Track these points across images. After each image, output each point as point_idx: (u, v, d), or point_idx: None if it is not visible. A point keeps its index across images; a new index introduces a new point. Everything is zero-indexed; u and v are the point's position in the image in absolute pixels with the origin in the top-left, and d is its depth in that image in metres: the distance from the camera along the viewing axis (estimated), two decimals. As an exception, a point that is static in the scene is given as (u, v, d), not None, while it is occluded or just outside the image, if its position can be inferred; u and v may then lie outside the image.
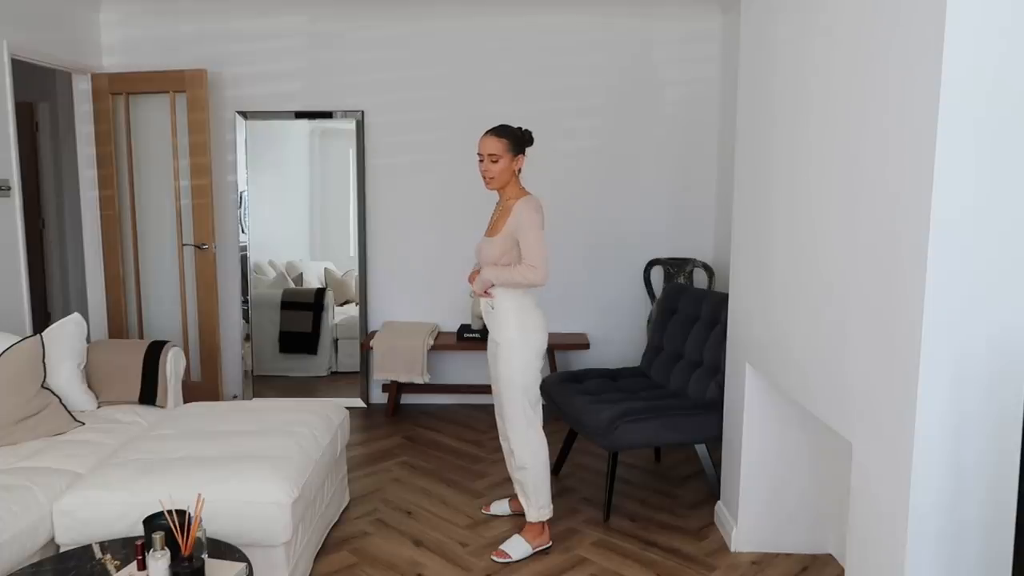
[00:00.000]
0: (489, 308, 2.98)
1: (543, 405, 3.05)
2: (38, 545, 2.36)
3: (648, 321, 4.54)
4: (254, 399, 4.78)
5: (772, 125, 2.70)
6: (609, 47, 4.66)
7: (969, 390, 1.75)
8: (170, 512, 1.98)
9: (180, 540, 1.93)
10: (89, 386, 3.28)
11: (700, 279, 4.74)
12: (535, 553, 2.97)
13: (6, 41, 3.82)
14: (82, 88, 4.59)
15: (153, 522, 2.03)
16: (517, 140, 2.92)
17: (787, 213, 2.56)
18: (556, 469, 3.64)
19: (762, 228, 2.81)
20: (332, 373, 5.11)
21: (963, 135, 1.67)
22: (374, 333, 4.71)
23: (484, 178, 2.93)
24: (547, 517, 3.00)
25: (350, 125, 4.75)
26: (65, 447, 2.79)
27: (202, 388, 4.65)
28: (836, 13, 2.18)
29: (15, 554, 2.24)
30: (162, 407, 3.37)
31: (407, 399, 4.90)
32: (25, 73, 4.54)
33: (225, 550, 2.13)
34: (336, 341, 5.11)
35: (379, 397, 4.90)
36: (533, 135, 2.99)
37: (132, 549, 2.06)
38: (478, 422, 4.53)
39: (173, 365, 3.44)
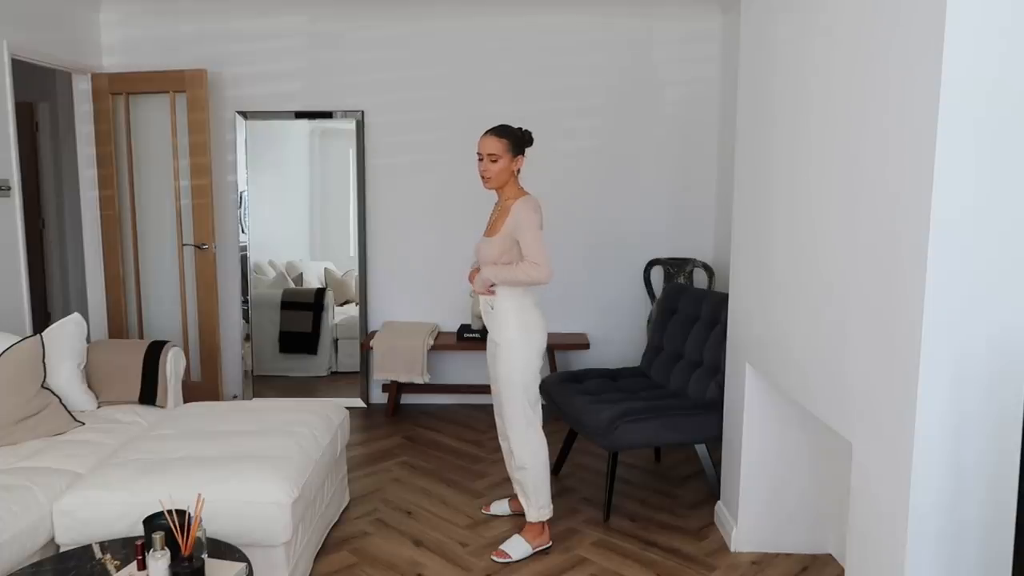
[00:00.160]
0: (488, 308, 2.98)
1: (543, 405, 3.05)
2: (38, 545, 2.36)
3: (648, 321, 4.54)
4: (254, 399, 4.78)
5: (772, 125, 2.70)
6: (609, 47, 4.66)
7: (969, 390, 1.75)
8: (170, 512, 1.98)
9: (180, 540, 1.93)
10: (89, 386, 3.28)
11: (700, 279, 4.74)
12: (535, 553, 2.97)
13: (6, 41, 3.82)
14: (82, 88, 4.60)
15: (153, 522, 2.03)
16: (517, 140, 2.92)
17: (787, 213, 2.56)
18: (556, 469, 3.65)
19: (762, 228, 2.81)
20: (332, 373, 5.11)
21: (963, 135, 1.67)
22: (374, 333, 4.71)
23: (482, 178, 2.92)
24: (547, 517, 3.00)
25: (350, 125, 4.75)
26: (65, 447, 2.79)
27: (202, 388, 4.65)
28: (836, 13, 2.18)
29: (15, 554, 2.24)
30: (162, 407, 3.37)
31: (407, 399, 4.90)
32: (25, 73, 4.54)
33: (225, 550, 2.13)
34: (336, 341, 5.11)
35: (379, 397, 4.90)
36: (533, 135, 2.99)
37: (132, 549, 2.06)
38: (478, 422, 4.53)
39: (173, 365, 3.44)
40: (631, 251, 4.79)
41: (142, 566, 1.95)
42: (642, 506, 3.42)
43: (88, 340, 3.39)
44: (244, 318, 4.88)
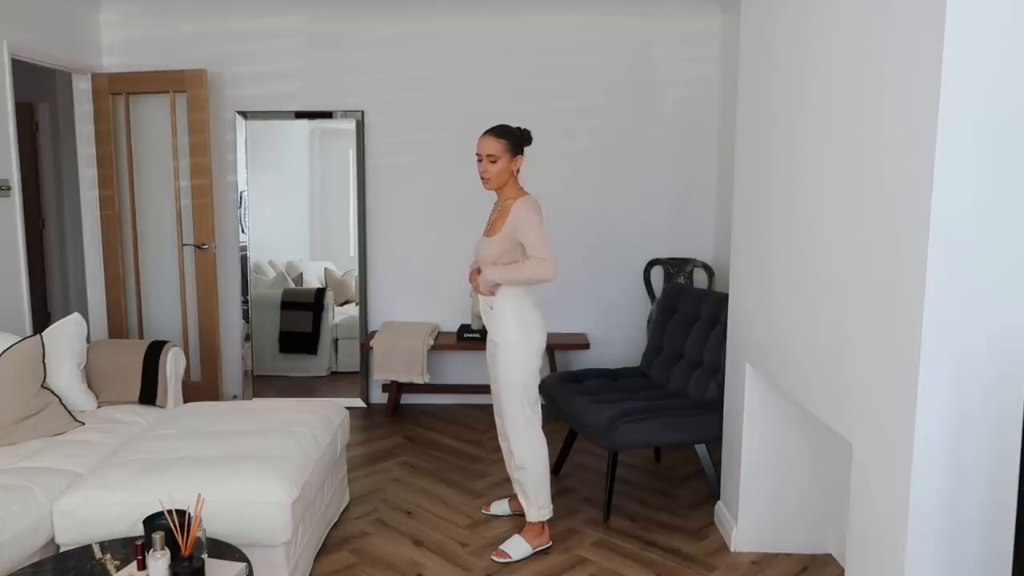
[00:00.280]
0: (488, 308, 2.98)
1: (543, 405, 3.05)
2: (38, 545, 2.36)
3: (648, 321, 4.54)
4: (254, 399, 4.78)
5: (772, 125, 2.70)
6: (609, 47, 4.66)
7: (969, 390, 1.75)
8: (170, 512, 1.98)
9: (180, 540, 1.93)
10: (89, 386, 3.28)
11: (700, 279, 4.74)
12: (535, 553, 2.97)
13: (6, 41, 3.82)
14: (82, 88, 4.60)
15: (153, 522, 2.03)
16: (516, 140, 2.91)
17: (787, 213, 2.56)
18: (556, 469, 3.65)
19: (762, 228, 2.81)
20: (332, 373, 5.11)
21: (963, 135, 1.67)
22: (374, 333, 4.71)
23: (482, 179, 2.92)
24: (547, 517, 3.00)
25: (350, 125, 4.75)
26: (65, 447, 2.79)
27: (202, 388, 4.65)
28: (836, 13, 2.18)
29: (15, 554, 2.24)
30: (162, 407, 3.37)
31: (407, 399, 4.90)
32: (25, 73, 4.54)
33: (225, 550, 2.13)
34: (336, 341, 5.11)
35: (379, 397, 4.90)
36: (532, 135, 2.99)
37: (132, 549, 2.06)
38: (478, 422, 4.53)
39: (173, 365, 3.44)
40: (631, 251, 4.79)
41: (142, 566, 1.95)
42: (642, 506, 3.42)
43: (88, 340, 3.39)
44: (244, 318, 4.88)
